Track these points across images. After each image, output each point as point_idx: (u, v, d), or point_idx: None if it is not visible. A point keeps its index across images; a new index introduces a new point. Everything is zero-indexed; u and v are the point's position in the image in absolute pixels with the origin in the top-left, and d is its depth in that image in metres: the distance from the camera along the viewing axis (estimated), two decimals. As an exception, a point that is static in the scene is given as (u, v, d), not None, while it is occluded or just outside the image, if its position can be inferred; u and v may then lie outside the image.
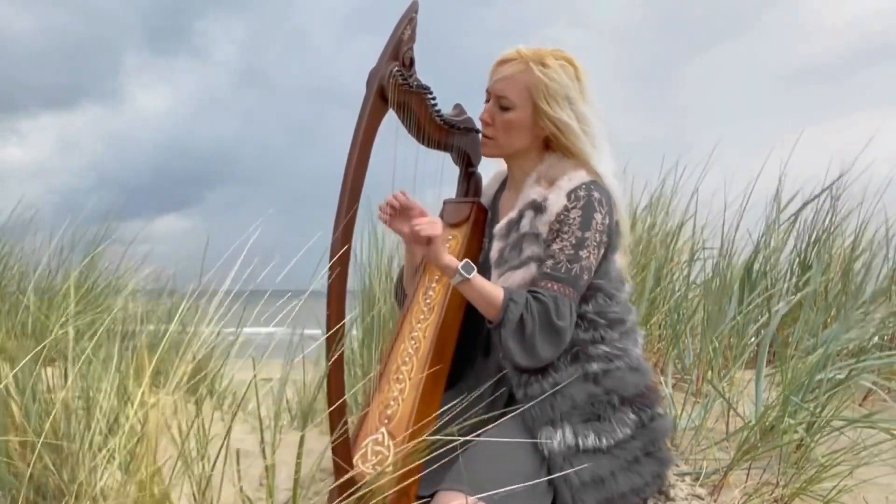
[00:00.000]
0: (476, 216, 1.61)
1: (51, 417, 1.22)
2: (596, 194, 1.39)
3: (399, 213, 1.51)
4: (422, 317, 1.52)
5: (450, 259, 1.36)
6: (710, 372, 2.42)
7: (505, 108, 1.44)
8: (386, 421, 1.40)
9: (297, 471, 1.24)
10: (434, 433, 1.31)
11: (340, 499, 1.27)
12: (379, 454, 1.36)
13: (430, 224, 1.36)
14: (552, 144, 1.48)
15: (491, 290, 1.35)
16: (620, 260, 1.49)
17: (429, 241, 1.35)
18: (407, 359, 1.47)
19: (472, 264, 1.36)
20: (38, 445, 1.18)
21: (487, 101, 1.48)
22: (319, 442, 1.99)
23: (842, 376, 2.02)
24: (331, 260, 1.28)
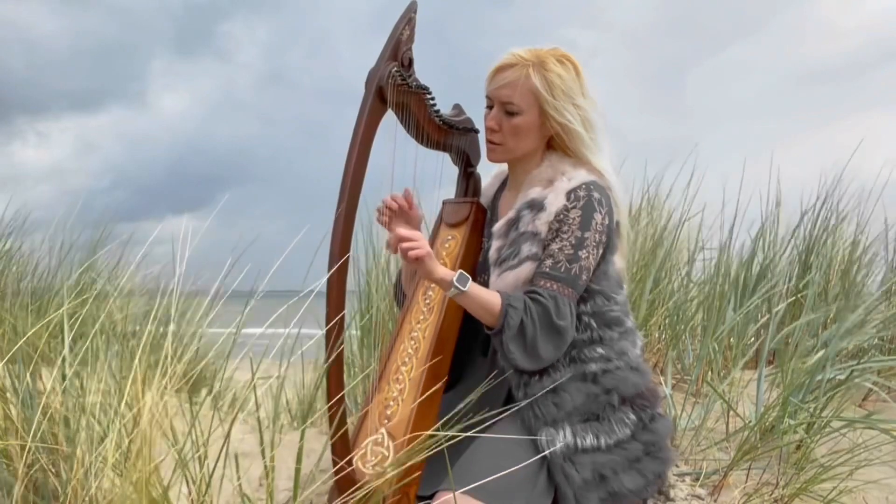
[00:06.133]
0: (475, 216, 1.60)
1: (46, 418, 1.22)
2: (596, 194, 1.39)
3: (398, 215, 1.50)
4: (421, 317, 1.52)
5: (443, 272, 1.34)
6: (710, 372, 2.42)
7: (511, 114, 1.43)
8: (386, 421, 1.39)
9: (297, 471, 1.24)
10: (434, 433, 1.30)
11: (340, 499, 1.27)
12: (379, 454, 1.36)
13: (418, 244, 1.32)
14: (553, 143, 1.48)
15: (488, 297, 1.35)
16: (619, 261, 1.49)
17: (417, 260, 1.32)
18: (406, 359, 1.47)
19: (467, 275, 1.34)
20: (32, 446, 1.18)
21: (489, 107, 1.48)
22: (319, 442, 1.99)
23: (842, 377, 2.02)
24: (330, 260, 1.28)
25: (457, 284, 1.33)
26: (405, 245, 1.32)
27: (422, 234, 1.37)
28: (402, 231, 1.33)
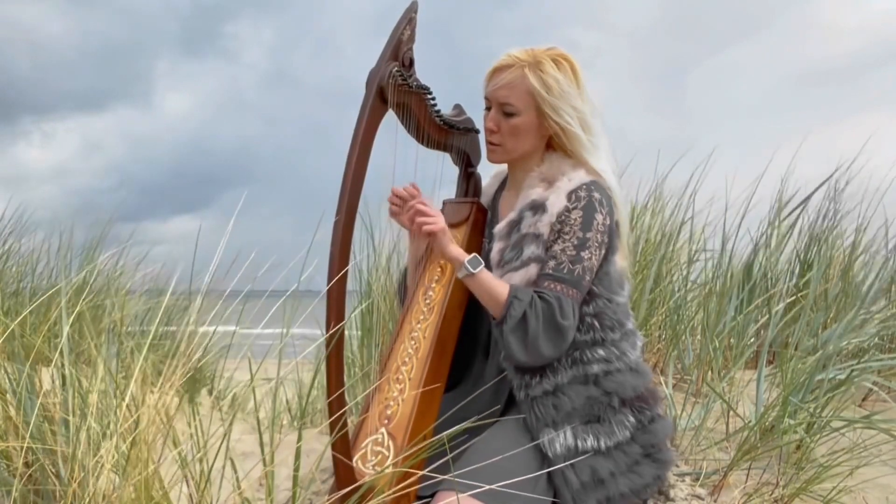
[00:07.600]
0: (476, 216, 1.60)
1: (45, 419, 1.22)
2: (596, 195, 1.39)
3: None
4: (421, 317, 1.52)
5: (457, 251, 1.38)
6: (710, 372, 2.42)
7: (509, 115, 1.44)
8: (386, 421, 1.39)
9: (296, 471, 1.24)
10: (434, 434, 1.30)
11: (340, 499, 1.26)
12: (379, 454, 1.36)
13: (433, 220, 1.38)
14: (553, 144, 1.48)
15: (496, 285, 1.36)
16: (620, 262, 1.48)
17: (431, 235, 1.38)
18: (407, 359, 1.47)
19: (480, 259, 1.37)
20: (32, 447, 1.18)
21: (487, 108, 1.48)
22: (319, 442, 1.99)
23: (842, 377, 2.02)
24: (330, 259, 1.28)
25: (468, 266, 1.35)
26: (420, 219, 1.35)
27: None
28: (420, 206, 1.36)
